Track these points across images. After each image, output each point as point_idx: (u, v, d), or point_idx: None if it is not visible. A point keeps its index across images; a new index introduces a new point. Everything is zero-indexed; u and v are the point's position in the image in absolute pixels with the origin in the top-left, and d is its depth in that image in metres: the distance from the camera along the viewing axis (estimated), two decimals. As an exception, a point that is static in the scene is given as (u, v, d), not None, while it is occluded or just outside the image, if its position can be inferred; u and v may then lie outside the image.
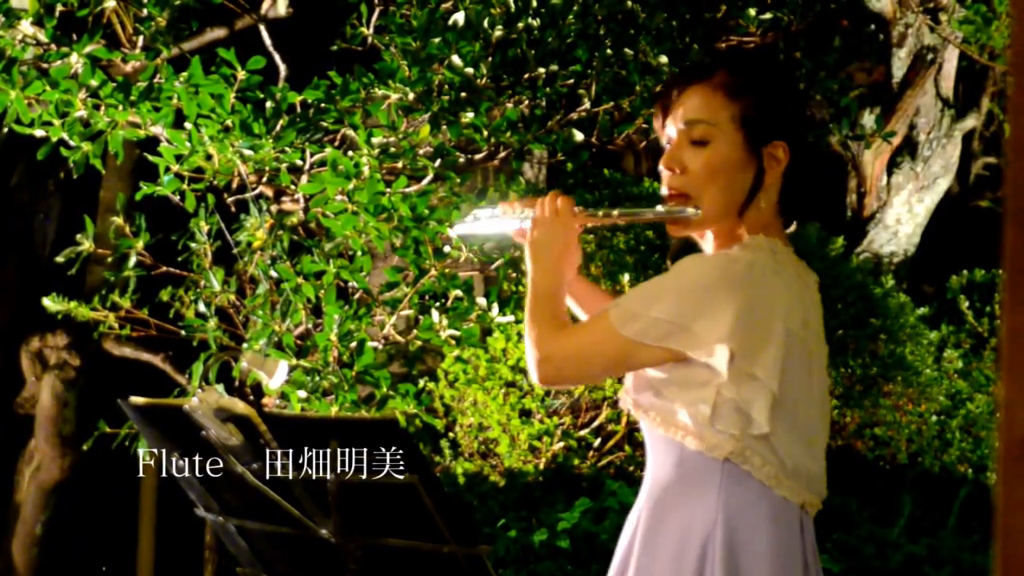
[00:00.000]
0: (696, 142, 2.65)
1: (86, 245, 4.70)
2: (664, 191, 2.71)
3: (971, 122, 9.12)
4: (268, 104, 4.59)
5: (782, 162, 2.66)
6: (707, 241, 2.74)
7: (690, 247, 2.85)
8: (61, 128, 4.41)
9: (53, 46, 4.50)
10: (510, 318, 4.65)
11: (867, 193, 8.74)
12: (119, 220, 4.71)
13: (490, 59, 4.79)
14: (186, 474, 2.67)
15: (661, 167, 2.71)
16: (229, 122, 4.52)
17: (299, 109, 4.69)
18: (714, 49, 5.12)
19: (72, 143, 4.43)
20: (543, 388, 3.47)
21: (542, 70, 4.89)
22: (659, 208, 2.70)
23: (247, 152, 4.51)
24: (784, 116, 2.69)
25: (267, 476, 2.53)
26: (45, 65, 4.46)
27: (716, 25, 5.45)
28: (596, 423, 6.10)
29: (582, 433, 6.07)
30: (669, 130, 2.70)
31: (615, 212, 2.83)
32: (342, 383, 4.49)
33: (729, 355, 2.52)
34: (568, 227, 2.78)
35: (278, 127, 4.57)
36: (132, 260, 4.71)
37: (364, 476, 2.45)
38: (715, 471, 2.58)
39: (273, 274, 4.69)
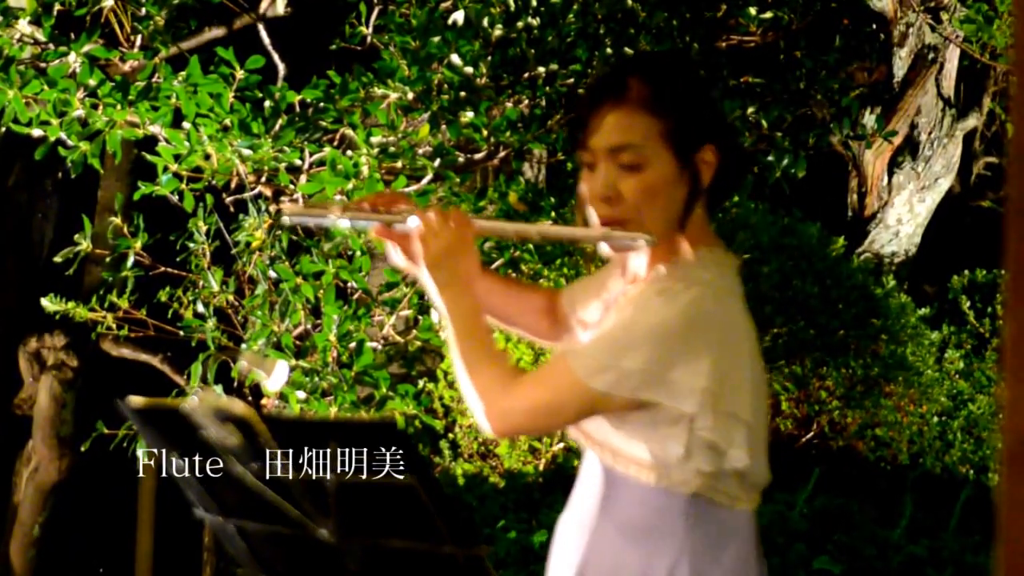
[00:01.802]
0: (626, 167, 2.51)
1: (84, 245, 4.69)
2: (595, 220, 2.56)
3: (972, 121, 9.11)
4: (267, 103, 4.58)
5: (713, 164, 2.54)
6: (643, 255, 2.61)
7: None
8: (59, 127, 4.40)
9: (51, 45, 4.49)
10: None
11: (868, 193, 8.74)
12: (117, 220, 4.70)
13: (490, 58, 4.78)
14: (184, 474, 2.66)
15: (592, 196, 2.56)
16: (228, 121, 4.51)
17: (298, 108, 4.69)
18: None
19: (70, 142, 4.42)
20: (499, 439, 3.24)
21: (542, 69, 4.88)
22: (605, 229, 2.54)
23: (246, 152, 4.50)
24: (708, 118, 2.57)
25: (266, 477, 2.52)
26: (43, 64, 4.45)
27: (716, 24, 5.44)
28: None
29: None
30: (590, 153, 2.55)
31: (533, 229, 2.70)
32: (341, 384, 4.48)
33: (707, 400, 2.43)
34: (465, 238, 2.59)
35: (277, 126, 4.56)
36: (130, 260, 4.70)
37: (363, 477, 2.44)
38: (680, 506, 2.49)
39: (272, 274, 4.68)
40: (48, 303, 5.04)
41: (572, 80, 4.95)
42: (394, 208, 2.67)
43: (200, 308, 4.75)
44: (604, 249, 2.62)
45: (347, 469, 2.44)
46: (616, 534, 2.57)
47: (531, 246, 5.26)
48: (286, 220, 2.96)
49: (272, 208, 4.80)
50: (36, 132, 4.41)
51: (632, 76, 2.55)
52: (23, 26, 4.50)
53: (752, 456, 2.50)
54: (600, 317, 2.68)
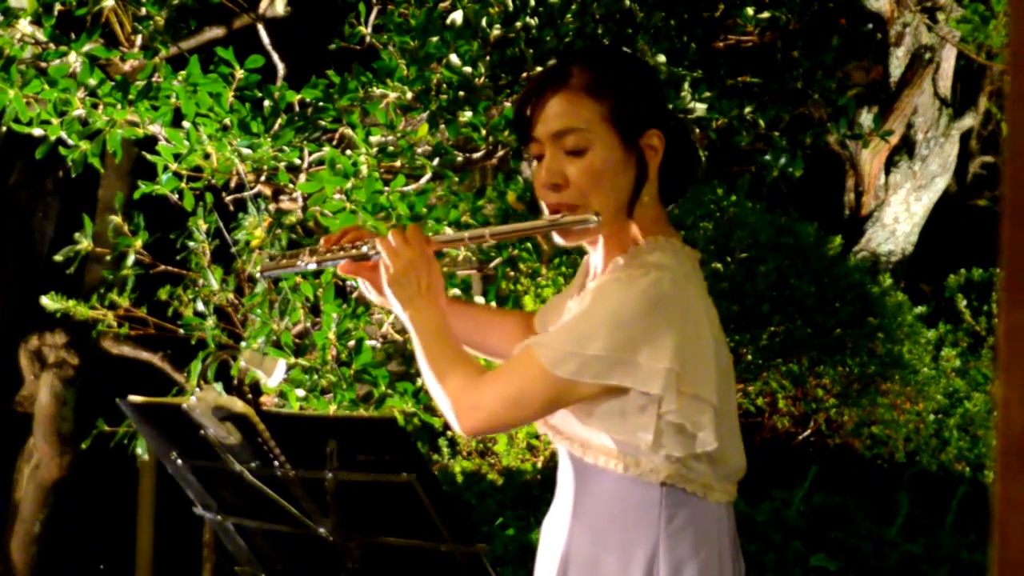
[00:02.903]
0: (571, 152, 2.55)
1: (84, 244, 4.71)
2: (546, 209, 2.60)
3: (969, 121, 9.12)
4: (266, 103, 4.59)
5: (659, 150, 2.57)
6: (598, 246, 2.64)
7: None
8: (59, 127, 4.41)
9: (51, 45, 4.50)
10: (508, 317, 4.65)
11: (865, 192, 8.75)
12: (117, 219, 4.71)
13: (488, 58, 4.80)
14: (184, 473, 2.68)
15: (539, 185, 2.60)
16: (227, 121, 4.52)
17: (297, 108, 4.70)
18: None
19: (70, 142, 4.43)
20: (469, 436, 3.24)
21: (540, 69, 4.90)
22: (552, 216, 2.58)
23: (245, 151, 4.52)
24: (651, 103, 2.60)
25: (265, 475, 2.54)
26: (43, 64, 4.46)
27: (714, 24, 5.45)
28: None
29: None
30: (536, 144, 2.59)
31: (486, 231, 2.72)
32: (340, 381, 4.49)
33: (671, 381, 2.45)
34: (425, 253, 2.64)
35: (276, 126, 4.57)
36: (131, 259, 4.71)
37: (362, 475, 2.46)
38: (653, 495, 2.52)
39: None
40: (49, 301, 5.05)
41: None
42: (357, 242, 2.72)
43: (200, 306, 4.76)
44: (558, 240, 2.65)
45: (346, 467, 2.46)
46: (594, 527, 2.59)
47: (529, 244, 5.28)
48: (259, 276, 3.00)
49: (272, 207, 4.81)
50: (37, 131, 4.42)
51: (573, 64, 2.59)
52: (24, 26, 4.51)
53: (721, 441, 2.52)
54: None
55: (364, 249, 2.70)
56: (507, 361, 2.63)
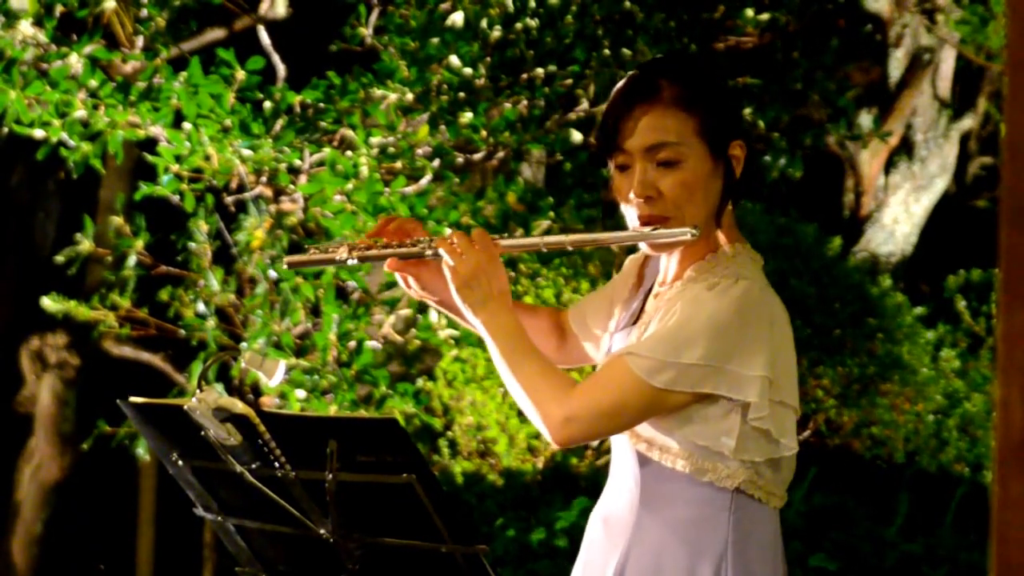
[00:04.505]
0: (664, 164, 2.57)
1: (86, 245, 4.71)
2: (634, 220, 2.60)
3: (968, 122, 9.12)
4: (267, 104, 4.60)
5: (741, 160, 2.62)
6: (675, 253, 2.65)
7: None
8: (61, 128, 4.42)
9: (53, 47, 4.51)
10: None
11: (864, 193, 8.75)
12: (119, 220, 4.72)
13: (488, 59, 4.81)
14: (185, 473, 2.68)
15: (628, 196, 2.60)
16: (228, 122, 4.53)
17: (298, 109, 4.71)
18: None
19: (72, 143, 4.44)
20: (563, 447, 3.20)
21: (540, 70, 4.91)
22: (645, 229, 2.58)
23: (246, 152, 4.53)
24: (735, 114, 2.67)
25: (266, 475, 2.54)
26: (45, 65, 4.47)
27: (714, 25, 5.46)
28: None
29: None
30: (624, 155, 2.60)
31: (566, 240, 2.70)
32: (341, 382, 4.50)
33: (765, 389, 2.49)
34: (492, 256, 2.61)
35: (277, 127, 4.58)
36: (131, 260, 4.72)
37: (363, 476, 2.46)
38: (724, 500, 2.55)
39: (272, 274, 4.70)
40: (50, 302, 5.05)
41: (570, 81, 4.97)
42: (408, 240, 2.69)
43: (201, 307, 4.77)
44: (643, 249, 2.66)
45: (346, 467, 2.46)
46: (660, 530, 2.59)
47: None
48: (286, 268, 2.96)
49: (272, 208, 4.82)
50: (38, 133, 4.43)
51: (661, 77, 2.61)
52: (25, 28, 4.52)
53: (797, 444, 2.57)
54: (627, 321, 2.70)
55: (417, 248, 2.67)
56: (599, 370, 2.62)
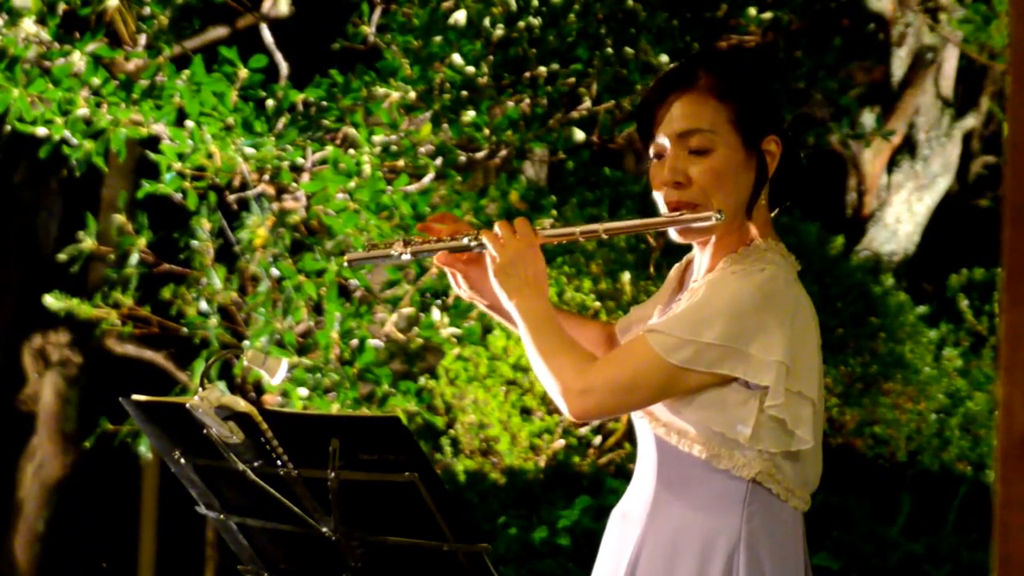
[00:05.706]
0: (695, 151, 2.60)
1: (88, 243, 4.72)
2: (664, 205, 2.63)
3: (971, 121, 9.12)
4: (270, 102, 4.60)
5: (776, 155, 2.64)
6: (708, 246, 2.67)
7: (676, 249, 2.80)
8: (63, 126, 4.42)
9: (56, 44, 4.51)
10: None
11: (867, 192, 8.75)
12: (121, 218, 4.73)
13: (491, 58, 4.81)
14: (187, 472, 2.68)
15: (659, 183, 2.63)
16: (231, 120, 4.53)
17: (300, 107, 4.71)
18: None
19: (74, 141, 4.44)
20: (579, 421, 3.21)
21: (543, 69, 4.91)
22: (673, 214, 2.61)
23: (248, 150, 4.53)
24: (773, 109, 2.68)
25: (268, 474, 2.54)
26: (47, 63, 4.47)
27: (716, 24, 5.46)
28: (596, 421, 6.11)
29: (582, 431, 6.08)
30: (659, 143, 2.64)
31: (600, 227, 2.72)
32: (343, 381, 4.50)
33: (781, 374, 2.50)
34: (532, 245, 2.65)
35: (280, 125, 4.59)
36: (134, 258, 4.73)
37: (365, 474, 2.46)
38: (740, 489, 2.56)
39: (274, 272, 4.70)
40: (52, 300, 5.06)
41: (573, 79, 4.97)
42: (457, 233, 2.72)
43: (203, 306, 4.77)
44: (674, 237, 2.68)
45: (349, 466, 2.46)
46: (676, 515, 2.61)
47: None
48: (346, 266, 2.97)
49: (275, 206, 4.83)
50: (41, 131, 4.43)
51: (699, 67, 2.64)
52: (28, 26, 4.52)
53: (815, 440, 2.56)
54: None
55: (465, 240, 2.70)
56: (619, 347, 2.67)
